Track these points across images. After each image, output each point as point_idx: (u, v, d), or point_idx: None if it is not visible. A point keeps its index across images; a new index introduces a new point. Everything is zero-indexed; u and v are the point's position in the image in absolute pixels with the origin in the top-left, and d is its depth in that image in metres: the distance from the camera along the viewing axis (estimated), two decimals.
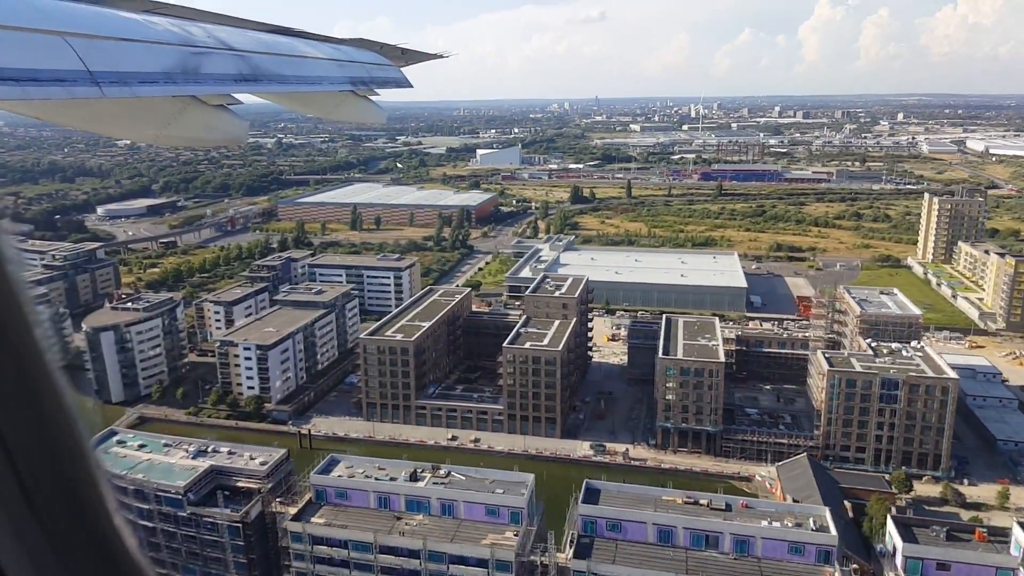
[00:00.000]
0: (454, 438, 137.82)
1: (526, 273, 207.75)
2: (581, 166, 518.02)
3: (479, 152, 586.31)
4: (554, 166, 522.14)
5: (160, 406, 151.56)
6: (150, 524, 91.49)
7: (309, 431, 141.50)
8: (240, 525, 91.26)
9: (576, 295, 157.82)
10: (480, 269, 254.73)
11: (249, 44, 8.33)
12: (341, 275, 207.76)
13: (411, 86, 12.22)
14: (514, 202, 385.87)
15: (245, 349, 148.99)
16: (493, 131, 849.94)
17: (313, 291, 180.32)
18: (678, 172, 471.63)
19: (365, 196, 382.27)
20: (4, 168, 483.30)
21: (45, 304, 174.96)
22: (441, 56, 12.93)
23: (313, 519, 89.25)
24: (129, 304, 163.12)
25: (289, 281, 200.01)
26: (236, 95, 8.09)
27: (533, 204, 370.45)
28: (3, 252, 2.17)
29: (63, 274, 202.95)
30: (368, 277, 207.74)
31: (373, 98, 11.54)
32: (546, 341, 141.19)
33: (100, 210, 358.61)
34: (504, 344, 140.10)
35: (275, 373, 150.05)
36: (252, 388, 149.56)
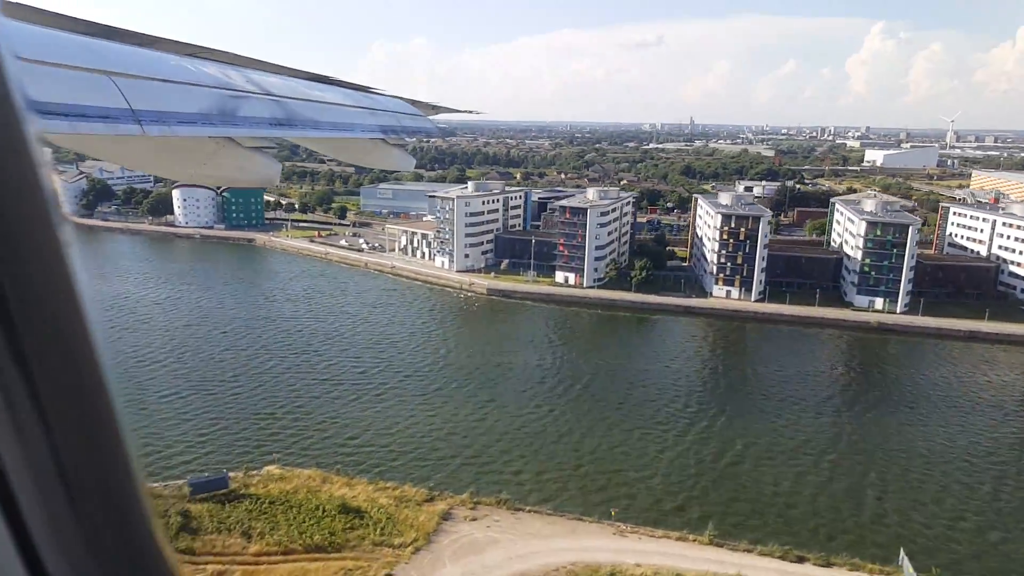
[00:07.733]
0: None
1: None
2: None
3: (873, 153, 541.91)
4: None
5: None
6: None
7: None
8: None
9: None
10: None
11: (285, 90, 8.49)
12: None
13: (440, 136, 12.41)
14: None
15: None
16: (682, 143, 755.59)
17: None
18: None
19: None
20: (445, 154, 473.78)
21: None
22: (472, 112, 13.13)
23: None
24: None
25: None
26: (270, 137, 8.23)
27: None
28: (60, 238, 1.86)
29: None
30: None
31: (403, 145, 11.71)
32: None
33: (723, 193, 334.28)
34: None
35: None
36: None
